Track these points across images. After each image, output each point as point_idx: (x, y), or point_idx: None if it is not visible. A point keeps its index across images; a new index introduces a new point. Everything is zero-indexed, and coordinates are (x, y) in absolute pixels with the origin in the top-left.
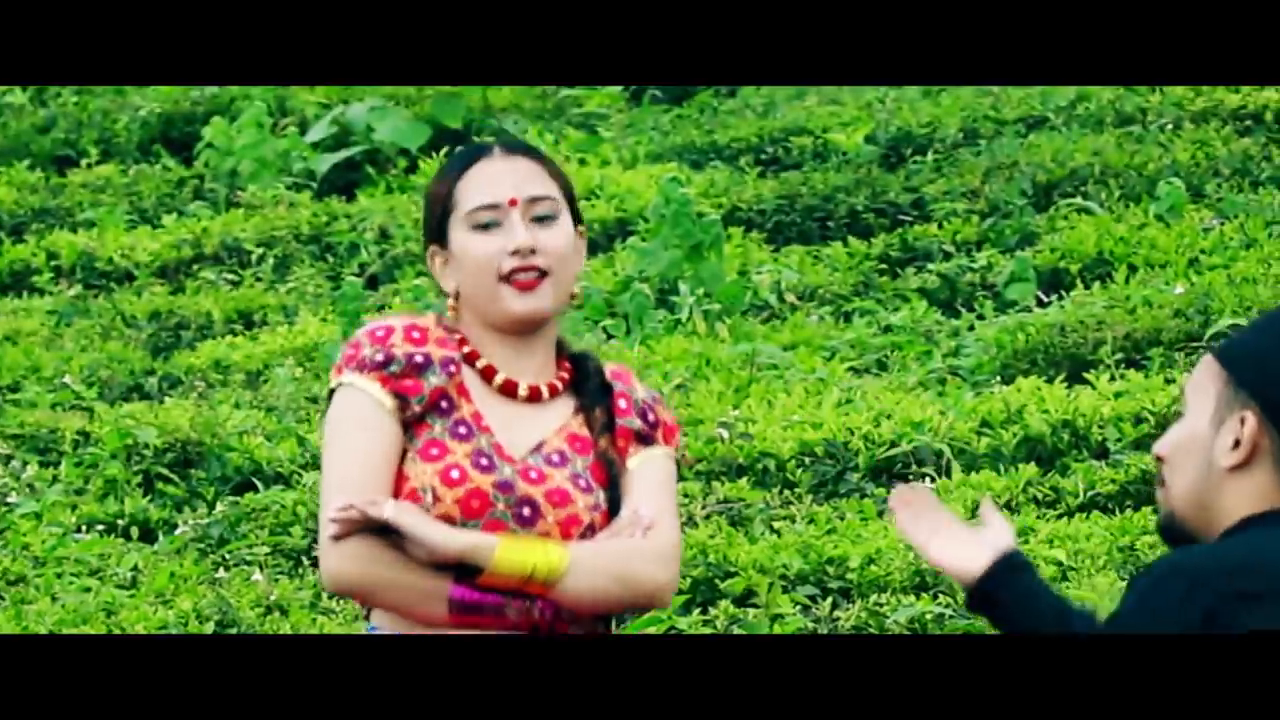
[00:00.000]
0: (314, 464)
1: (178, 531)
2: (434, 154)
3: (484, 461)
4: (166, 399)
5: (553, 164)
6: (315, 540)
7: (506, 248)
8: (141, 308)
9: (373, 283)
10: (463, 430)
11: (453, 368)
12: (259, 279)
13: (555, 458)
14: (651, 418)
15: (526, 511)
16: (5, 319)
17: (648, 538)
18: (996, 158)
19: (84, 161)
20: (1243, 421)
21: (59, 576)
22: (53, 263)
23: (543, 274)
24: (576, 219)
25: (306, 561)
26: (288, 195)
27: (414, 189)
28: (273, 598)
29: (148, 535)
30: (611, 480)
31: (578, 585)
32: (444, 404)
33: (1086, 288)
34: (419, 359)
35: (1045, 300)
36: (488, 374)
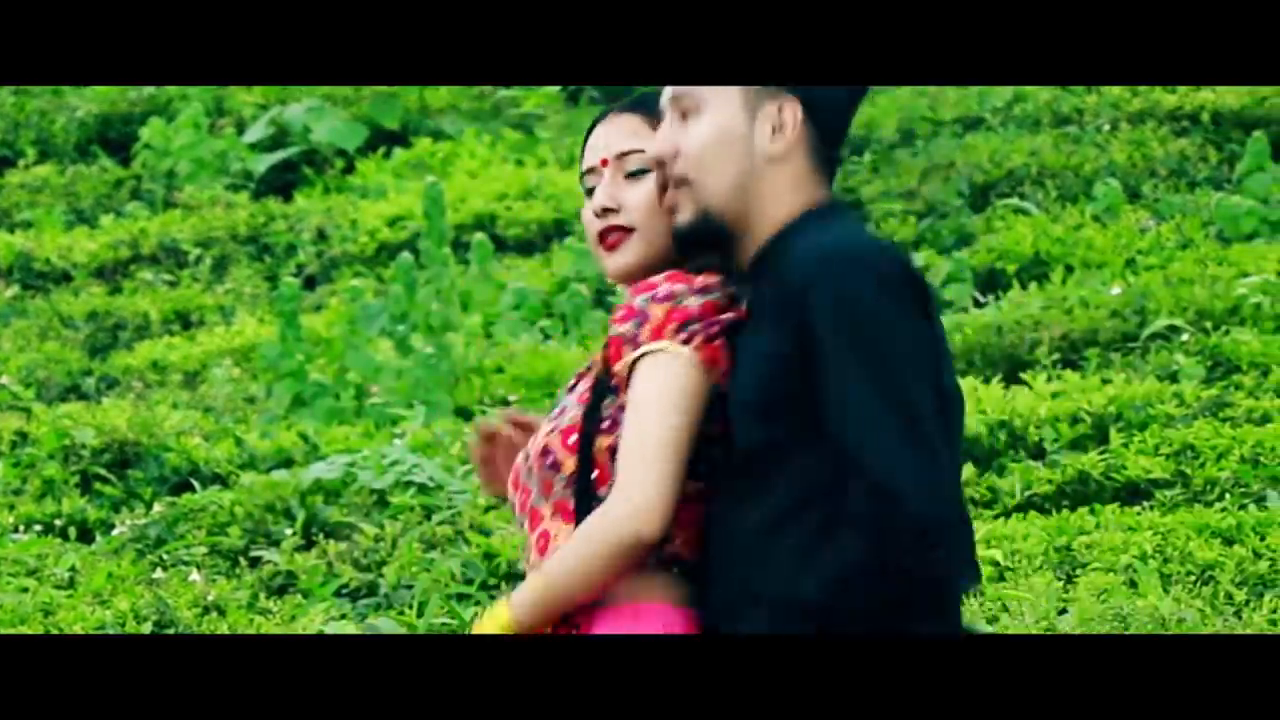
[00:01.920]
0: (251, 464)
1: (115, 532)
2: (370, 154)
3: None
4: (104, 399)
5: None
6: (253, 540)
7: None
8: (79, 308)
9: (310, 283)
10: None
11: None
12: (196, 279)
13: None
14: (640, 319)
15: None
16: None
17: (610, 492)
18: (933, 158)
19: (21, 162)
20: (780, 109)
21: None
22: None
23: (628, 230)
24: None
25: (244, 562)
26: (225, 196)
27: (351, 189)
28: (210, 598)
29: (85, 535)
30: (596, 393)
31: (569, 585)
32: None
33: (1023, 288)
34: None
35: (982, 301)
36: None
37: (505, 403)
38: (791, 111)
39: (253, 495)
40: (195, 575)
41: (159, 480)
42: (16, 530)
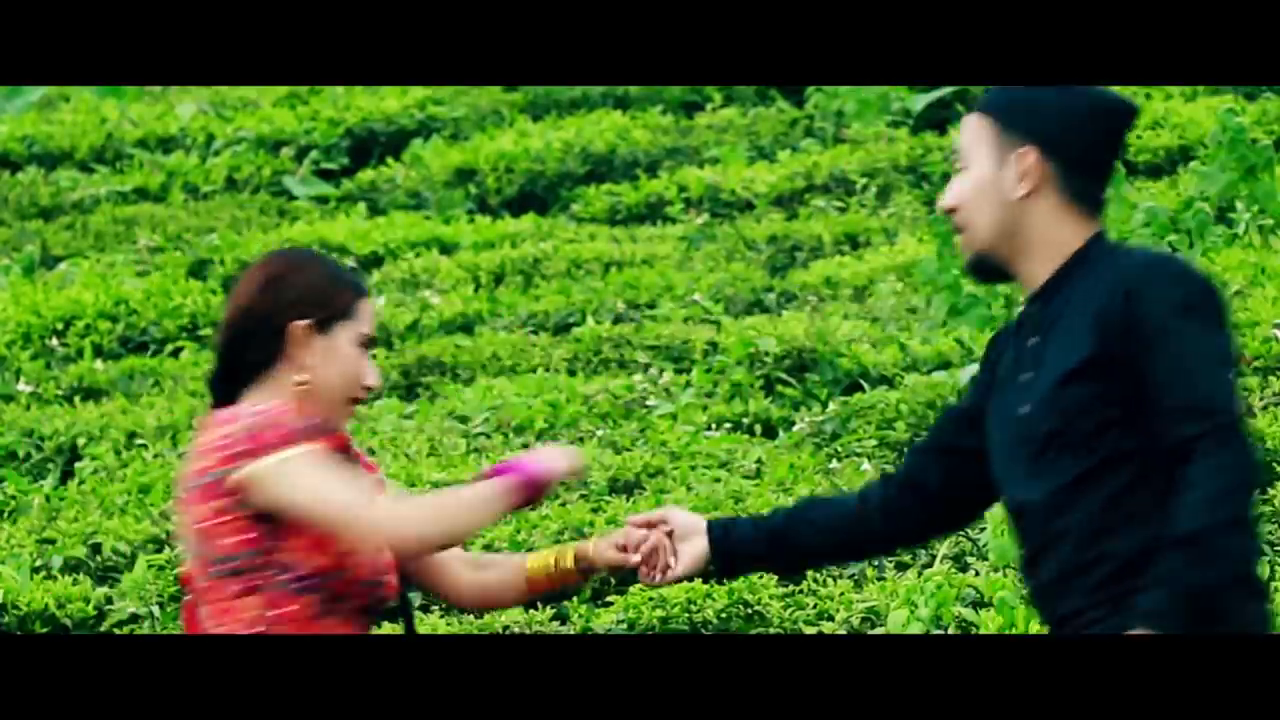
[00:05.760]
0: (913, 367)
1: (795, 428)
2: None
3: None
4: (784, 312)
5: None
6: (917, 433)
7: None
8: (760, 232)
9: None
10: None
11: None
12: (863, 206)
13: None
14: (249, 440)
15: None
16: (643, 244)
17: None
18: None
19: (709, 105)
20: (1024, 156)
21: (692, 469)
22: (683, 194)
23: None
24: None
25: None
26: (887, 132)
27: None
28: None
29: (769, 432)
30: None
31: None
32: None
33: None
34: None
35: None
36: None
37: None
38: (1030, 158)
39: (915, 394)
40: (866, 465)
41: (833, 382)
42: (709, 428)
